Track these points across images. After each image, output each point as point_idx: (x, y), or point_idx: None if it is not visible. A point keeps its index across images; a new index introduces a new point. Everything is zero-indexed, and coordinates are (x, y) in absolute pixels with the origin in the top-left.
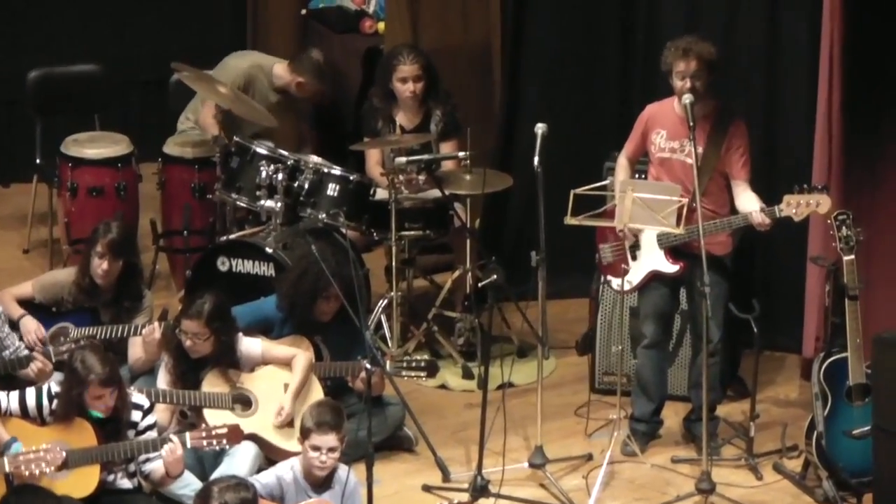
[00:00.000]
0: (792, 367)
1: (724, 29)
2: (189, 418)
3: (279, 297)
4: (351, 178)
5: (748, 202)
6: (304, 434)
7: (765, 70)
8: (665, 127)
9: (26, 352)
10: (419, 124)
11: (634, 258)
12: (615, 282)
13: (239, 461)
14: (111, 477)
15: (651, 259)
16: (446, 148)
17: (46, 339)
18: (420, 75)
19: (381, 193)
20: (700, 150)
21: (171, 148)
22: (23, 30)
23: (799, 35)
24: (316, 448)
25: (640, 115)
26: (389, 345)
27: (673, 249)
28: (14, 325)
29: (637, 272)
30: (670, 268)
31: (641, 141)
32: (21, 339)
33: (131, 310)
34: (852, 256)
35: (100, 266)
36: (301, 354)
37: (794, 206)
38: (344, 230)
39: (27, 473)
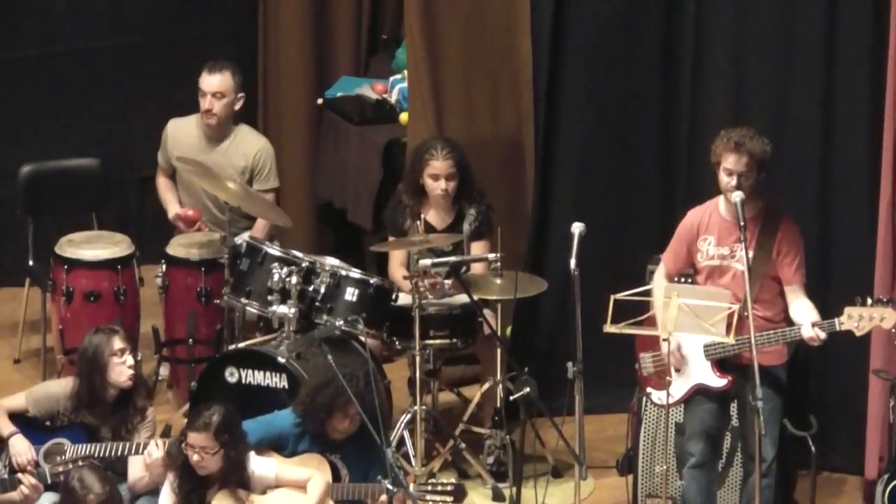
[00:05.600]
0: (853, 490)
1: (774, 119)
2: None
3: (297, 401)
4: (371, 281)
5: (802, 313)
6: None
7: (819, 166)
8: (711, 232)
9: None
10: (451, 224)
11: (678, 370)
12: (656, 395)
13: None
14: None
15: (696, 371)
16: (477, 249)
17: (40, 461)
18: (454, 173)
19: (403, 299)
20: (750, 254)
21: (174, 249)
22: (14, 122)
23: (857, 127)
24: None
25: (682, 222)
26: (413, 464)
27: (720, 362)
28: (2, 441)
29: (681, 385)
30: (717, 382)
31: (686, 253)
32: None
33: (133, 425)
34: None
35: (125, 364)
36: (318, 476)
37: (855, 319)
38: (363, 338)
39: None
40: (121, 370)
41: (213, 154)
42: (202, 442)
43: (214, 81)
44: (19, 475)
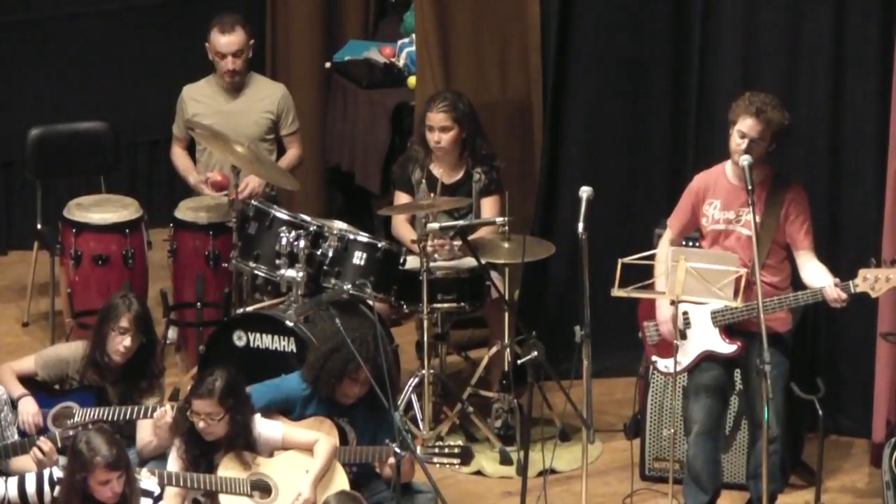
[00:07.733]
0: (860, 452)
1: (784, 87)
2: None
3: (306, 366)
4: (379, 245)
5: (817, 276)
6: None
7: (828, 132)
8: (718, 196)
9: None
10: (459, 181)
11: (684, 337)
12: (662, 363)
13: None
14: None
15: (704, 339)
16: (486, 205)
17: (48, 425)
18: (448, 126)
19: (411, 262)
20: (757, 219)
21: (183, 212)
22: (24, 85)
23: (866, 94)
24: None
25: (689, 186)
26: (420, 427)
27: (728, 328)
28: (13, 404)
29: (688, 353)
30: (727, 348)
31: (691, 216)
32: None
33: (144, 389)
34: None
35: (121, 343)
36: (324, 439)
37: (871, 281)
38: (371, 302)
39: None
40: (115, 346)
41: (236, 103)
42: (207, 408)
43: (232, 41)
44: (37, 439)
